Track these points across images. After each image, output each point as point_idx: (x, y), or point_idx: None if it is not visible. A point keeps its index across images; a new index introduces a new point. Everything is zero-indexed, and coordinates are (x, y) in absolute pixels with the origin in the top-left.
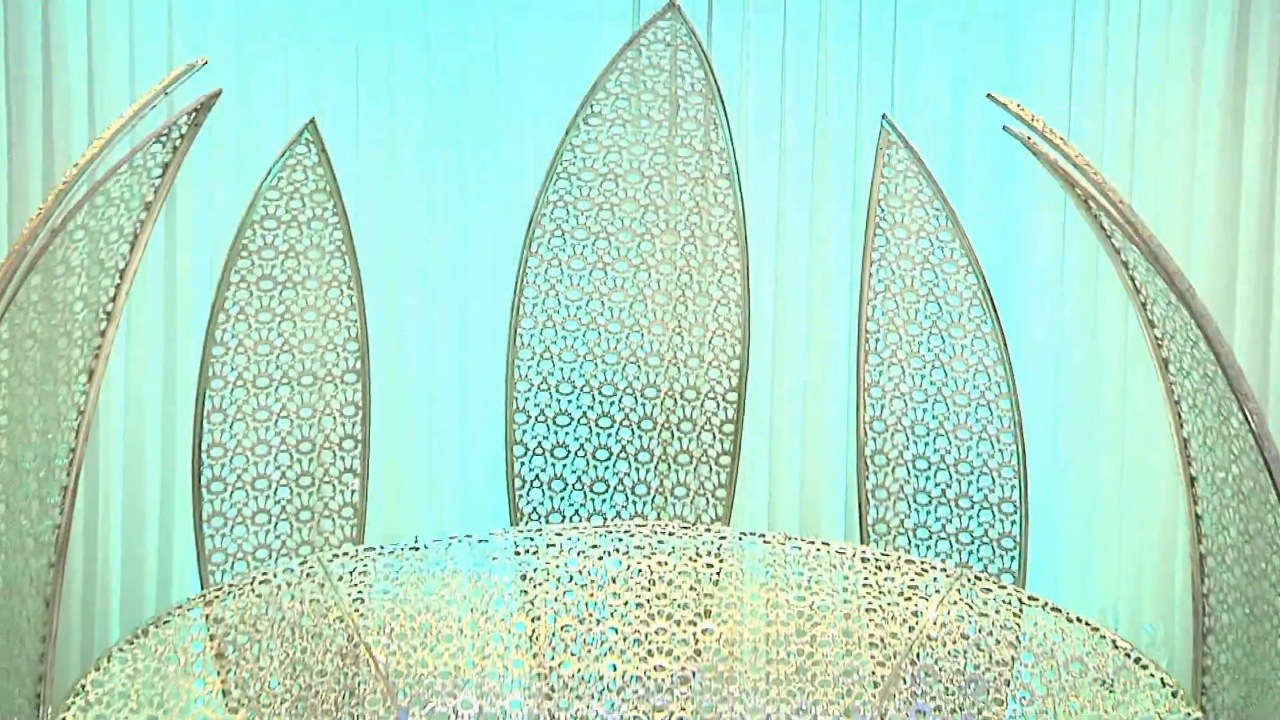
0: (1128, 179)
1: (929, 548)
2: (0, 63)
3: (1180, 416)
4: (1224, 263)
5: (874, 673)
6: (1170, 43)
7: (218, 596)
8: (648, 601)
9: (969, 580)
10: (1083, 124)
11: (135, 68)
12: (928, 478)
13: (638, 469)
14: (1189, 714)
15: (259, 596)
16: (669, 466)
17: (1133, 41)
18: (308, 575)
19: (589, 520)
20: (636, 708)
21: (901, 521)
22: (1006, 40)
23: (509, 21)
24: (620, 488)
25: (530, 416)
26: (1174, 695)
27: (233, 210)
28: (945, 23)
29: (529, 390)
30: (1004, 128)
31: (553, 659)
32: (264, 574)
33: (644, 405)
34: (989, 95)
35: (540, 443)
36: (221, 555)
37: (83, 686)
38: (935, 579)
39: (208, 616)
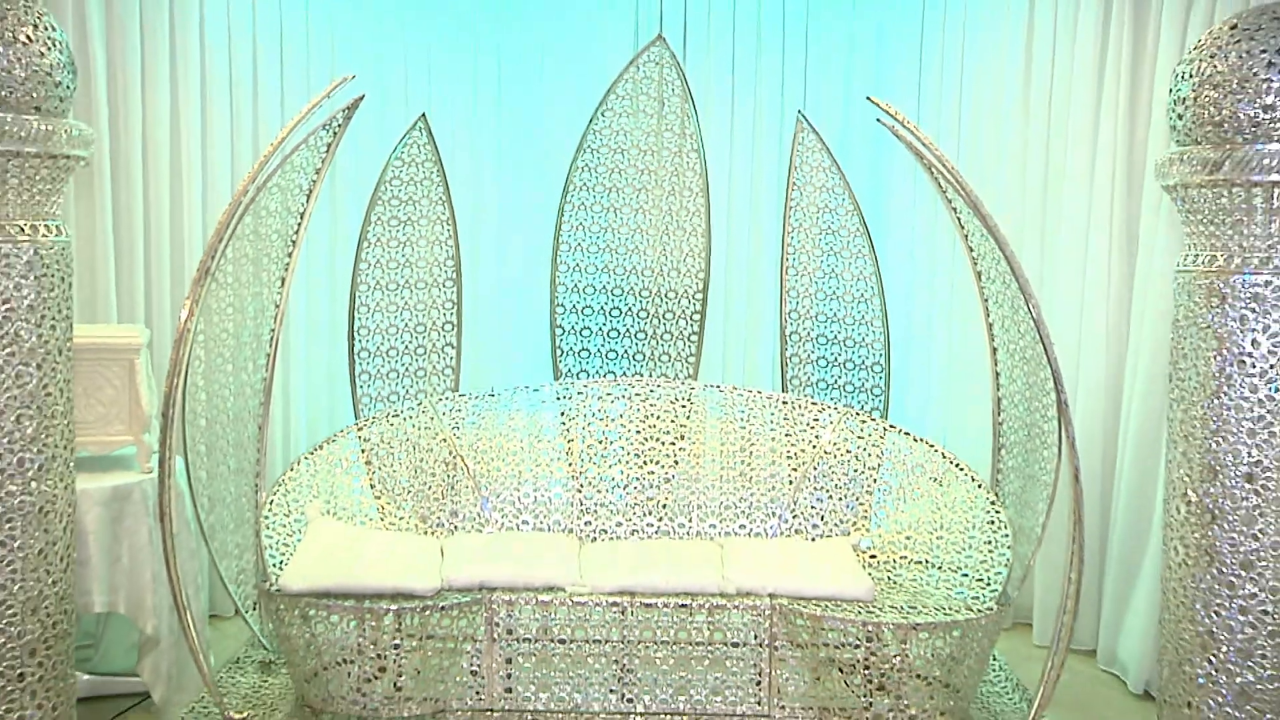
0: (956, 150)
1: (826, 395)
2: (226, 75)
3: (988, 309)
4: (1018, 206)
5: (789, 475)
6: (983, 57)
7: (366, 424)
8: (643, 429)
9: (851, 415)
10: (930, 115)
11: (311, 75)
12: (826, 349)
13: (636, 344)
14: (988, 498)
15: (392, 425)
16: (657, 342)
17: (959, 55)
18: (423, 412)
19: (605, 377)
20: (636, 498)
21: (809, 377)
22: (878, 56)
23: (552, 43)
24: (625, 356)
25: (566, 309)
26: (979, 487)
27: (371, 174)
28: (837, 48)
29: (565, 292)
30: (877, 119)
31: (581, 466)
32: (395, 411)
33: (640, 302)
34: (868, 98)
35: (573, 326)
36: (367, 399)
37: (282, 481)
38: (830, 415)
39: (360, 437)
